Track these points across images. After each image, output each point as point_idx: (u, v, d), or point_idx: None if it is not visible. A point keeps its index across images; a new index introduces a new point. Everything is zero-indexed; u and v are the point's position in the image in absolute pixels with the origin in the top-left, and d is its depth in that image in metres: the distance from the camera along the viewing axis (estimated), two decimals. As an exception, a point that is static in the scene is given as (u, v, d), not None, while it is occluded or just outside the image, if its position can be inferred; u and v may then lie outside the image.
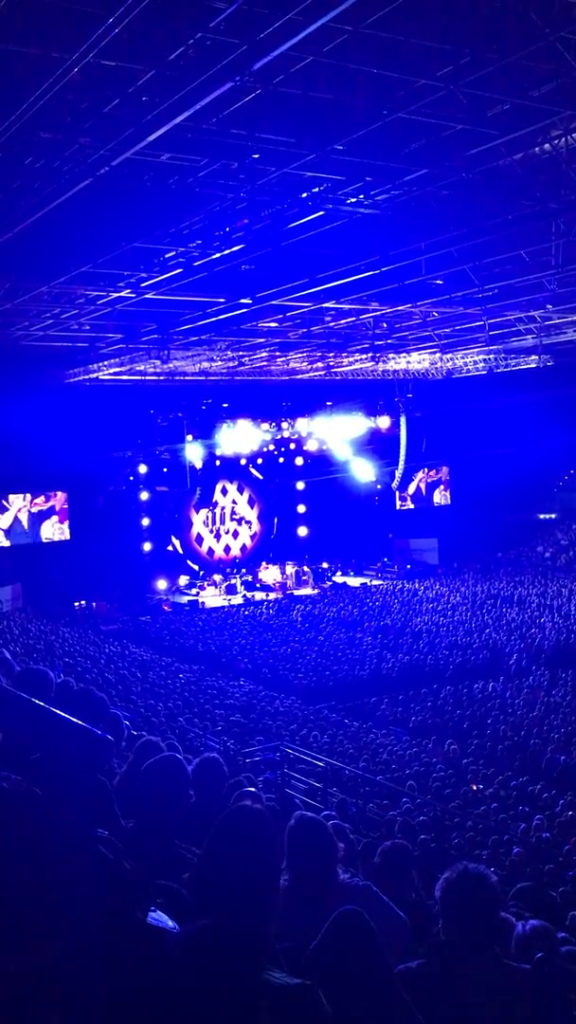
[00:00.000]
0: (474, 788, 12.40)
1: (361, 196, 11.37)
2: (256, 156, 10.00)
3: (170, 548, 33.68)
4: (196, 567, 33.93)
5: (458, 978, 2.53)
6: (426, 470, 37.65)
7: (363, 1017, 2.32)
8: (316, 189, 11.16)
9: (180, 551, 33.99)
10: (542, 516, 36.74)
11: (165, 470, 32.47)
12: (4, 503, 29.90)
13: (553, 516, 36.74)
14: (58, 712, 2.26)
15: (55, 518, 30.69)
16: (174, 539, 33.90)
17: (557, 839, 10.18)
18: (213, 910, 2.12)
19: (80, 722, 2.21)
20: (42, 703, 2.26)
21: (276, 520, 36.49)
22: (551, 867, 9.10)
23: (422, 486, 38.02)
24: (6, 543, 29.80)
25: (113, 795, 2.45)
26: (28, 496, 30.17)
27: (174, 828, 2.76)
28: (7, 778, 1.99)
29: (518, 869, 8.92)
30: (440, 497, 38.37)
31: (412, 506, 37.79)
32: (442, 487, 38.38)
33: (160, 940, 2.17)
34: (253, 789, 5.26)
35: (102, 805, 2.27)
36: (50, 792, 2.01)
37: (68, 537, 30.57)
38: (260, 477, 35.81)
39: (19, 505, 30.23)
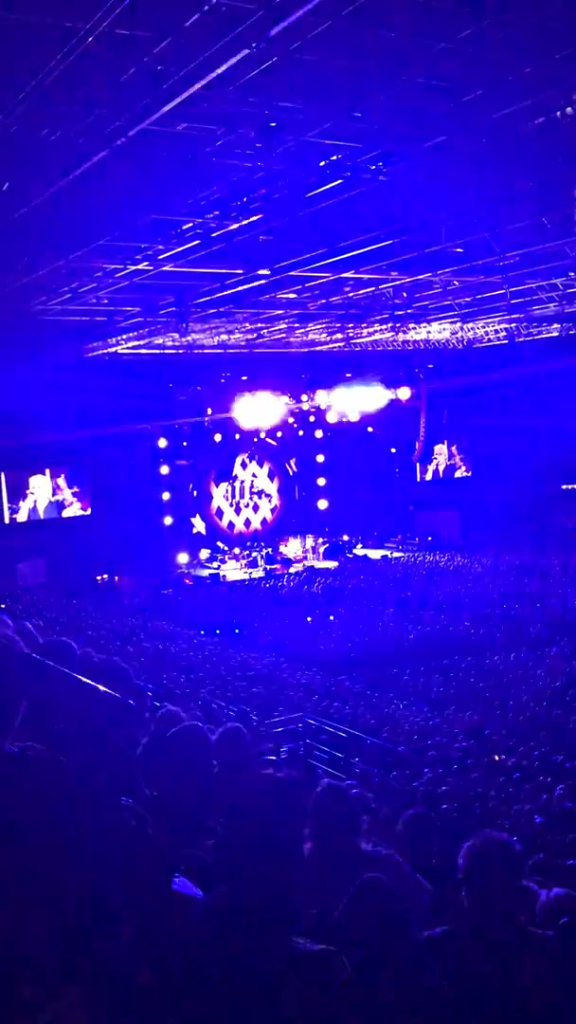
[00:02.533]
0: (496, 758, 12.44)
1: (380, 163, 11.21)
2: (273, 125, 9.87)
3: (195, 530, 33.76)
4: (202, 528, 33.96)
5: (481, 945, 2.54)
6: (446, 442, 37.50)
7: (386, 983, 2.34)
8: (334, 157, 11.02)
9: (202, 528, 34.07)
10: (565, 487, 36.45)
11: (185, 443, 32.48)
12: (27, 491, 30.16)
13: (576, 486, 36.48)
14: (82, 679, 2.27)
15: (77, 504, 30.98)
16: (198, 521, 33.98)
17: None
18: (237, 877, 2.14)
19: (104, 688, 2.22)
20: (67, 670, 2.28)
21: (297, 490, 36.45)
22: (574, 837, 9.11)
23: (440, 466, 37.90)
24: (24, 518, 30.09)
25: (137, 764, 2.47)
26: (49, 477, 30.39)
27: (197, 797, 2.78)
28: (32, 748, 2.01)
29: (540, 838, 8.95)
30: (460, 471, 38.21)
31: (430, 478, 37.68)
32: (460, 458, 38.19)
33: (185, 906, 2.19)
34: (274, 758, 5.30)
35: (126, 773, 2.29)
36: (75, 761, 2.03)
37: (89, 512, 30.82)
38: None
39: (42, 489, 30.52)
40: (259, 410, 31.98)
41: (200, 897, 2.28)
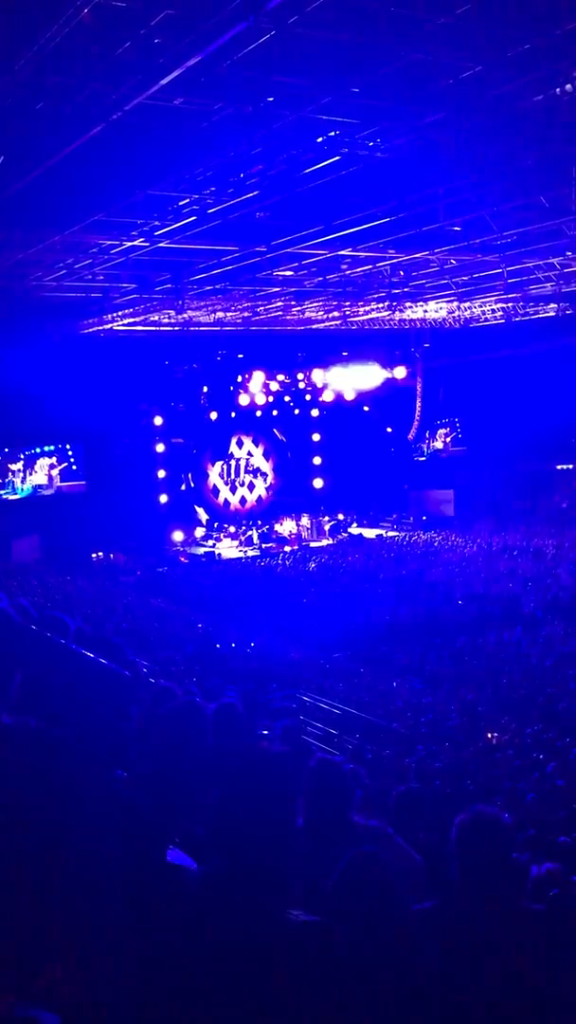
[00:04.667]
0: (489, 736, 12.53)
1: (378, 140, 11.14)
2: (271, 100, 9.80)
3: (195, 510, 33.76)
4: (204, 518, 33.98)
5: (472, 918, 2.58)
6: (446, 425, 37.54)
7: (377, 955, 2.37)
8: (332, 133, 10.95)
9: (199, 510, 34.06)
10: (560, 467, 36.47)
11: (181, 422, 32.43)
12: (20, 468, 30.19)
13: (571, 467, 36.46)
14: (77, 649, 2.29)
15: (71, 482, 31.09)
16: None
17: (571, 786, 10.28)
18: (230, 850, 2.16)
19: (99, 658, 2.24)
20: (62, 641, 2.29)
21: (290, 454, 36.42)
22: (565, 814, 9.20)
23: (439, 443, 37.92)
24: (17, 495, 30.10)
25: (132, 737, 2.50)
26: (43, 455, 30.44)
27: (192, 770, 2.81)
28: (26, 723, 2.03)
29: (532, 815, 9.03)
30: (454, 448, 38.23)
31: (424, 458, 37.69)
32: (453, 436, 38.19)
33: (179, 878, 2.22)
34: (267, 732, 5.33)
35: (121, 745, 2.31)
36: (70, 733, 2.05)
37: (84, 484, 30.88)
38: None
39: (36, 466, 30.61)
40: (255, 389, 31.92)
41: (194, 868, 2.31)
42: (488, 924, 2.58)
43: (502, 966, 2.49)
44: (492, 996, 2.41)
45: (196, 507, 34.13)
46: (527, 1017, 2.42)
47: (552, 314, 23.94)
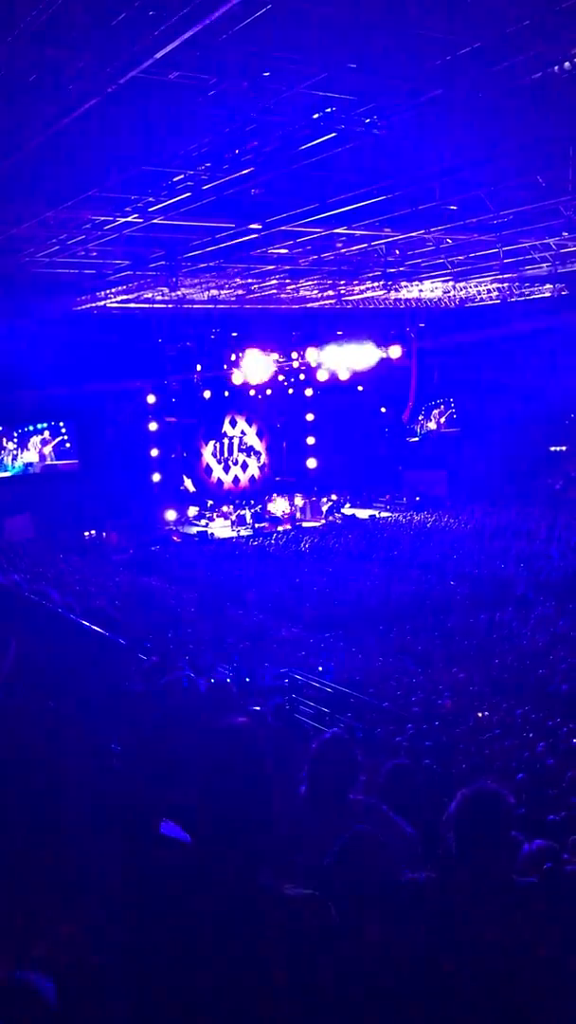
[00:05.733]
0: (480, 715, 12.61)
1: (374, 117, 11.05)
2: (267, 74, 9.70)
3: (183, 487, 33.67)
4: (190, 485, 33.92)
5: (466, 891, 2.60)
6: (440, 406, 37.53)
7: (372, 929, 2.39)
8: (328, 110, 10.85)
9: (190, 485, 33.99)
10: (553, 448, 36.53)
11: (174, 400, 32.32)
12: (22, 449, 30.14)
13: (564, 448, 36.52)
14: (73, 617, 2.29)
15: (64, 460, 31.04)
16: (186, 479, 33.91)
17: (561, 765, 10.37)
18: (211, 822, 2.18)
19: (95, 627, 2.24)
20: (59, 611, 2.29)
21: (284, 446, 36.34)
22: (553, 792, 9.29)
23: (433, 424, 37.92)
24: (9, 473, 30.06)
25: (126, 711, 2.51)
26: (36, 432, 30.34)
27: (186, 744, 2.83)
28: (20, 694, 2.03)
29: (522, 794, 9.11)
30: (447, 429, 38.25)
31: (417, 439, 37.69)
32: (448, 416, 38.20)
33: (173, 850, 2.24)
34: (258, 708, 5.36)
35: (116, 718, 2.32)
36: (65, 706, 2.05)
37: (76, 462, 30.82)
38: (260, 398, 35.48)
39: (29, 444, 30.51)
40: (249, 367, 31.80)
41: (187, 841, 2.33)
42: (482, 897, 2.60)
43: (495, 939, 2.52)
44: (486, 967, 2.44)
45: (189, 484, 34.06)
46: (522, 991, 2.45)
47: (548, 295, 23.91)
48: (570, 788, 9.46)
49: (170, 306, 25.02)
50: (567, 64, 10.28)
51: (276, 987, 2.01)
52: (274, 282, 23.56)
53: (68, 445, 31.37)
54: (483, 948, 2.47)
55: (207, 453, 35.01)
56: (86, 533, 30.01)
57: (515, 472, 34.88)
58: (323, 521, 33.70)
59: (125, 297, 22.68)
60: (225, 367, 31.59)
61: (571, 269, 21.20)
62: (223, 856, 2.13)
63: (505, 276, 22.74)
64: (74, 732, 2.07)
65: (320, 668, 15.19)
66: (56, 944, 1.88)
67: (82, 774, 2.04)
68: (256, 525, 32.54)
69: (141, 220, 15.44)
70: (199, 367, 31.46)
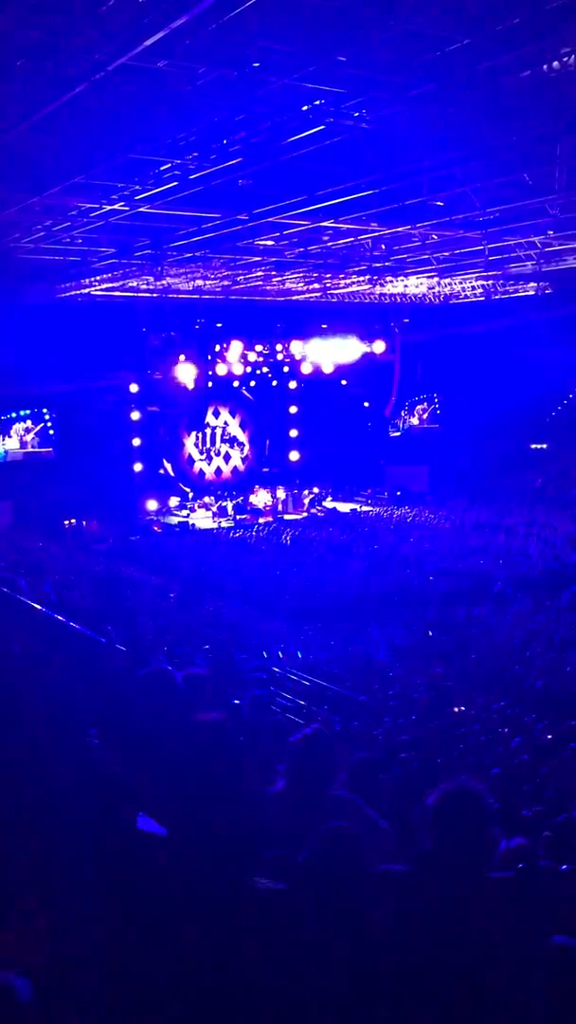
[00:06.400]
0: (456, 710, 12.68)
1: (363, 111, 11.03)
2: (256, 65, 9.66)
3: (161, 471, 33.54)
4: (188, 490, 33.83)
5: (441, 885, 2.61)
6: (424, 402, 37.63)
7: (344, 924, 2.41)
8: (317, 102, 10.82)
9: (171, 473, 33.86)
10: (534, 446, 36.72)
11: (157, 390, 32.20)
12: (4, 437, 29.99)
13: (544, 446, 36.73)
14: (43, 609, 2.29)
15: (45, 448, 30.90)
16: (165, 462, 33.78)
17: (535, 761, 10.45)
18: (186, 817, 2.19)
19: (74, 625, 2.24)
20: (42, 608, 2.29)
21: (268, 443, 36.30)
22: (529, 787, 9.36)
23: (416, 419, 38.01)
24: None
25: (103, 704, 2.51)
26: (18, 419, 30.16)
27: (162, 739, 2.83)
28: None
29: (497, 789, 9.17)
30: (429, 425, 38.36)
31: (399, 434, 37.78)
32: (431, 412, 38.31)
33: (148, 843, 2.24)
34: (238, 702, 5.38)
35: (92, 712, 2.33)
36: (43, 698, 2.05)
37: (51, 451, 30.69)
38: (250, 398, 35.43)
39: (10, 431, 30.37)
40: (233, 358, 31.75)
41: (163, 835, 2.33)
42: (457, 892, 2.61)
43: (468, 934, 2.53)
44: (457, 960, 2.46)
45: (170, 474, 33.94)
46: (491, 985, 2.47)
47: (532, 293, 23.99)
48: (544, 783, 9.55)
49: (155, 295, 24.94)
50: (556, 63, 10.30)
51: (249, 979, 2.03)
52: (260, 274, 23.51)
53: (52, 432, 31.21)
54: (455, 942, 2.49)
55: (189, 443, 34.89)
56: (66, 521, 29.86)
57: (496, 469, 35.05)
58: (305, 514, 33.71)
59: (110, 285, 22.57)
60: (209, 357, 31.49)
61: (556, 268, 21.27)
62: (198, 850, 2.13)
63: (490, 273, 22.80)
64: (49, 725, 2.07)
65: (299, 655, 15.27)
66: (31, 937, 1.89)
67: (58, 767, 2.04)
68: (238, 517, 32.51)
69: (127, 208, 15.36)
70: (183, 357, 31.36)
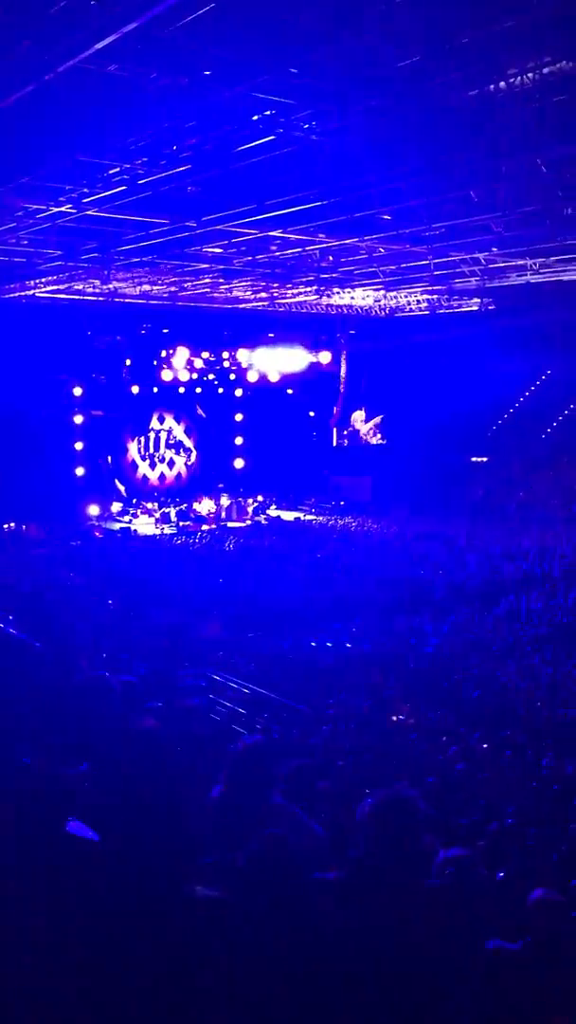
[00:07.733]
0: (394, 719, 12.77)
1: (313, 123, 11.12)
2: (207, 73, 9.68)
3: (118, 486, 33.20)
4: (123, 491, 33.50)
5: (374, 892, 2.64)
6: (364, 409, 37.86)
7: (278, 931, 2.41)
8: (267, 112, 10.88)
9: (121, 488, 33.52)
10: (475, 459, 37.24)
11: (101, 394, 31.94)
12: None
13: (485, 459, 37.29)
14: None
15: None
16: (109, 460, 33.41)
17: (471, 770, 10.56)
18: (122, 823, 2.18)
19: (11, 631, 2.22)
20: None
21: (212, 444, 36.22)
22: (464, 796, 9.46)
23: (361, 428, 38.25)
24: None
25: (39, 708, 2.49)
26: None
27: (98, 745, 2.81)
28: None
29: (432, 797, 9.25)
30: (375, 439, 38.64)
31: (344, 444, 38.02)
32: (374, 424, 38.62)
33: (80, 849, 2.23)
34: (174, 708, 5.35)
35: (26, 716, 2.30)
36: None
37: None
38: (203, 415, 35.37)
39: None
40: (179, 365, 31.66)
41: (95, 840, 2.32)
42: (391, 898, 2.63)
43: (403, 941, 2.56)
44: (391, 967, 2.48)
45: (115, 480, 33.65)
46: (422, 991, 2.50)
47: (475, 308, 24.37)
48: (479, 792, 9.66)
49: (101, 299, 24.75)
50: (503, 83, 10.52)
51: (185, 986, 2.02)
52: (207, 281, 23.51)
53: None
54: (389, 947, 2.52)
55: (133, 449, 34.65)
56: (4, 525, 29.39)
57: (438, 480, 35.45)
58: (249, 522, 33.70)
59: (55, 288, 22.35)
60: (155, 363, 31.35)
61: (499, 284, 21.64)
62: (133, 856, 2.13)
63: (435, 288, 23.11)
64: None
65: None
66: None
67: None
68: (181, 523, 32.37)
69: (75, 211, 15.24)
70: (128, 362, 31.14)
